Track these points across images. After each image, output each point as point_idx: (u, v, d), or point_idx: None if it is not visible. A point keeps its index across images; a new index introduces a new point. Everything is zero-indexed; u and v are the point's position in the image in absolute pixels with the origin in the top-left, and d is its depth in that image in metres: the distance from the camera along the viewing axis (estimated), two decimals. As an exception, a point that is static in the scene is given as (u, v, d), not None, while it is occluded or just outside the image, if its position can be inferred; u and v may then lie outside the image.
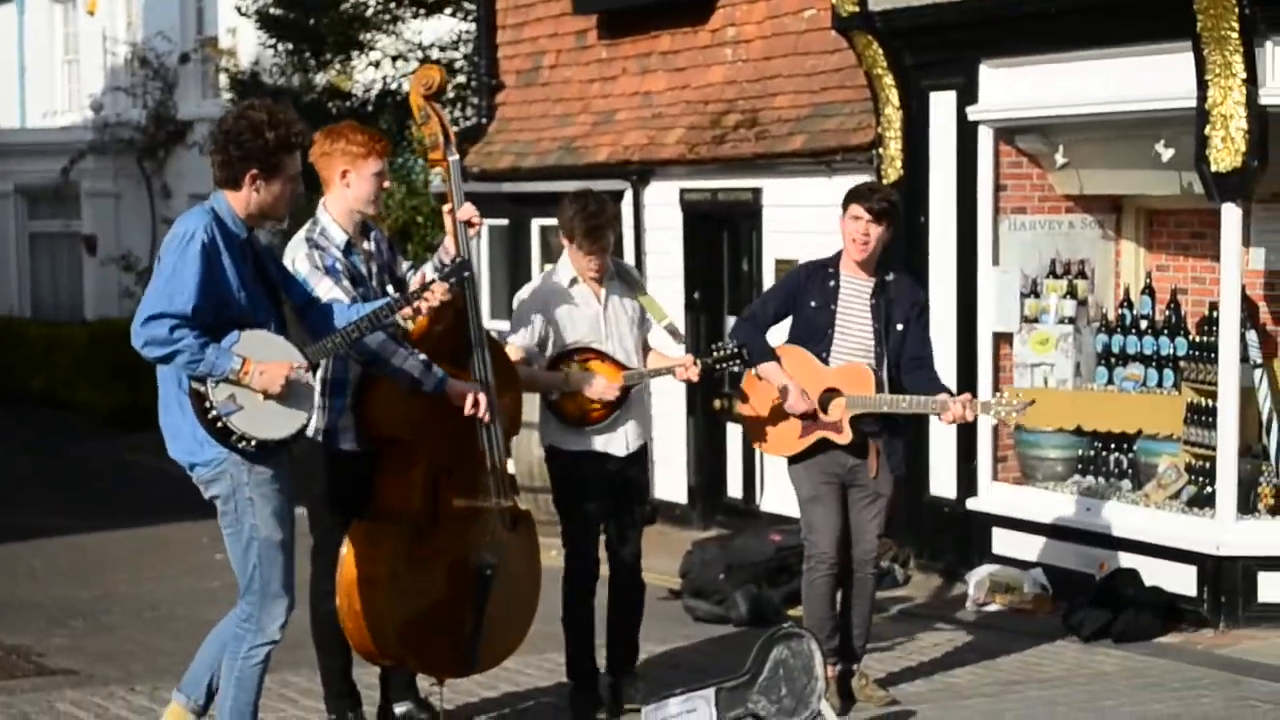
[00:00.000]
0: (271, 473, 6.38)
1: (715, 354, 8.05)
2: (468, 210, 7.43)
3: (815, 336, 8.14)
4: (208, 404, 6.21)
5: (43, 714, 8.05)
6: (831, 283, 8.16)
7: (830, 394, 8.07)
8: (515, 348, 7.93)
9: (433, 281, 6.90)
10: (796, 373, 8.10)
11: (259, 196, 6.37)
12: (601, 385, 7.86)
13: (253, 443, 6.27)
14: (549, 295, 8.00)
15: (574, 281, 8.01)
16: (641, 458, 8.20)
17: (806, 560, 8.27)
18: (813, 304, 8.15)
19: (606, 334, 8.00)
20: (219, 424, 6.22)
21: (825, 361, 8.11)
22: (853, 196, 8.17)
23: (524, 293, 8.17)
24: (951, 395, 8.09)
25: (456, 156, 7.57)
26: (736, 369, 8.30)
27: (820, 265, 8.28)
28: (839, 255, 8.24)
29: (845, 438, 8.08)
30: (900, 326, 8.14)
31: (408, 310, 6.88)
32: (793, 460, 8.26)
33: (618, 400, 7.94)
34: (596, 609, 8.15)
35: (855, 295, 8.15)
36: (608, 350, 7.98)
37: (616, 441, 8.01)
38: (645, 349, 8.20)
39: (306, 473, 7.30)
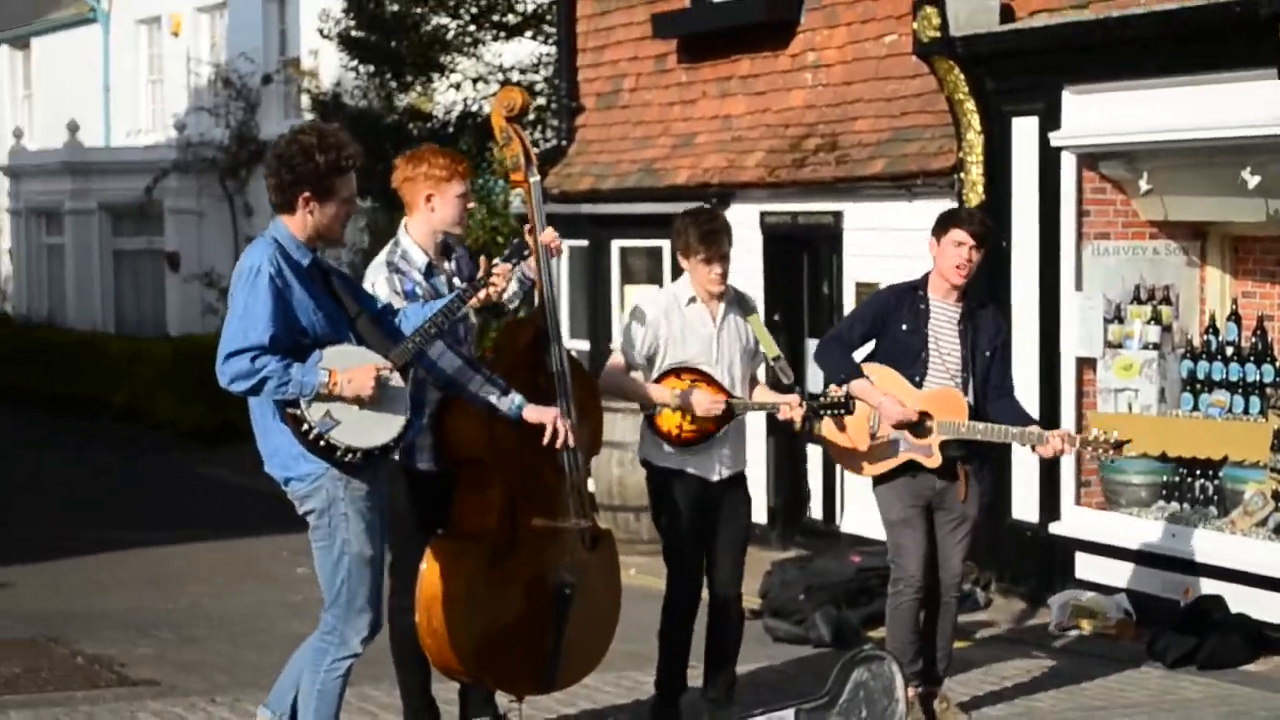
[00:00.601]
0: (367, 489, 6.41)
1: (822, 399, 7.96)
2: (549, 235, 7.45)
3: (907, 359, 8.11)
4: (305, 425, 6.23)
5: (125, 724, 8.13)
6: (921, 306, 8.15)
7: (921, 417, 8.06)
8: (622, 356, 7.94)
9: (495, 265, 6.90)
10: (887, 393, 8.08)
11: (314, 219, 6.37)
12: (708, 403, 7.80)
13: (358, 454, 6.29)
14: (666, 309, 7.96)
15: (693, 300, 7.97)
16: (738, 486, 8.11)
17: (893, 584, 8.23)
18: (904, 327, 8.14)
19: (716, 357, 7.93)
20: (321, 442, 6.24)
21: (918, 385, 8.10)
22: (954, 220, 8.17)
23: (641, 303, 8.16)
24: (1040, 426, 8.12)
25: (538, 178, 7.58)
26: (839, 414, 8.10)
27: (908, 289, 8.26)
28: (926, 279, 8.23)
29: (935, 461, 8.05)
30: (987, 354, 8.15)
31: (475, 299, 6.89)
32: (879, 481, 8.25)
33: (714, 426, 7.89)
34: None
35: (945, 320, 8.15)
36: (715, 375, 7.92)
37: (709, 466, 7.94)
38: (753, 383, 8.14)
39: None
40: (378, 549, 6.49)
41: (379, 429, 6.34)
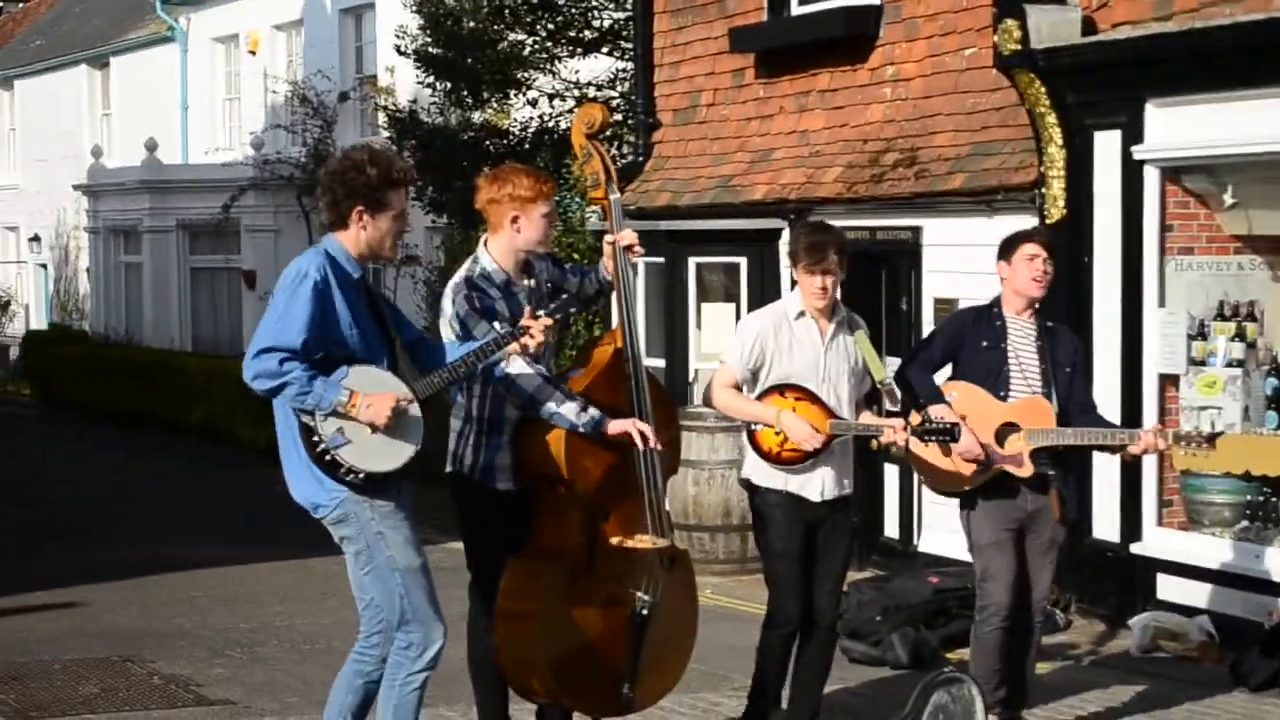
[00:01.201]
0: (393, 504, 6.45)
1: (927, 425, 7.84)
2: (629, 236, 7.40)
3: (991, 375, 8.06)
4: (316, 437, 6.30)
5: (201, 744, 8.11)
6: (999, 323, 8.13)
7: (1008, 428, 7.97)
8: (728, 370, 7.86)
9: (538, 316, 6.84)
10: (971, 409, 7.99)
11: (367, 234, 6.47)
12: (805, 434, 7.69)
13: (360, 475, 6.33)
14: (773, 324, 7.87)
15: (801, 315, 7.87)
16: (843, 507, 7.97)
17: (980, 610, 8.11)
18: (984, 343, 8.10)
19: (823, 376, 7.81)
20: (327, 457, 6.30)
21: (1003, 399, 8.01)
22: (1020, 238, 8.23)
23: (751, 317, 8.08)
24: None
25: (618, 195, 7.55)
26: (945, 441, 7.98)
27: (984, 309, 8.27)
28: (998, 299, 8.21)
29: (1026, 471, 7.96)
30: (1068, 369, 8.10)
31: (514, 346, 6.80)
32: (968, 504, 8.12)
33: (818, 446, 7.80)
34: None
35: (1022, 336, 8.12)
36: (821, 394, 7.80)
37: (811, 486, 7.83)
38: (860, 406, 8.01)
39: (464, 510, 7.30)
40: (423, 556, 6.52)
41: (387, 455, 6.37)
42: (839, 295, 7.93)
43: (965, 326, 8.24)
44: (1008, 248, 8.19)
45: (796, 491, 7.81)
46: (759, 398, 7.82)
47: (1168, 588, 11.19)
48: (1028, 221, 11.76)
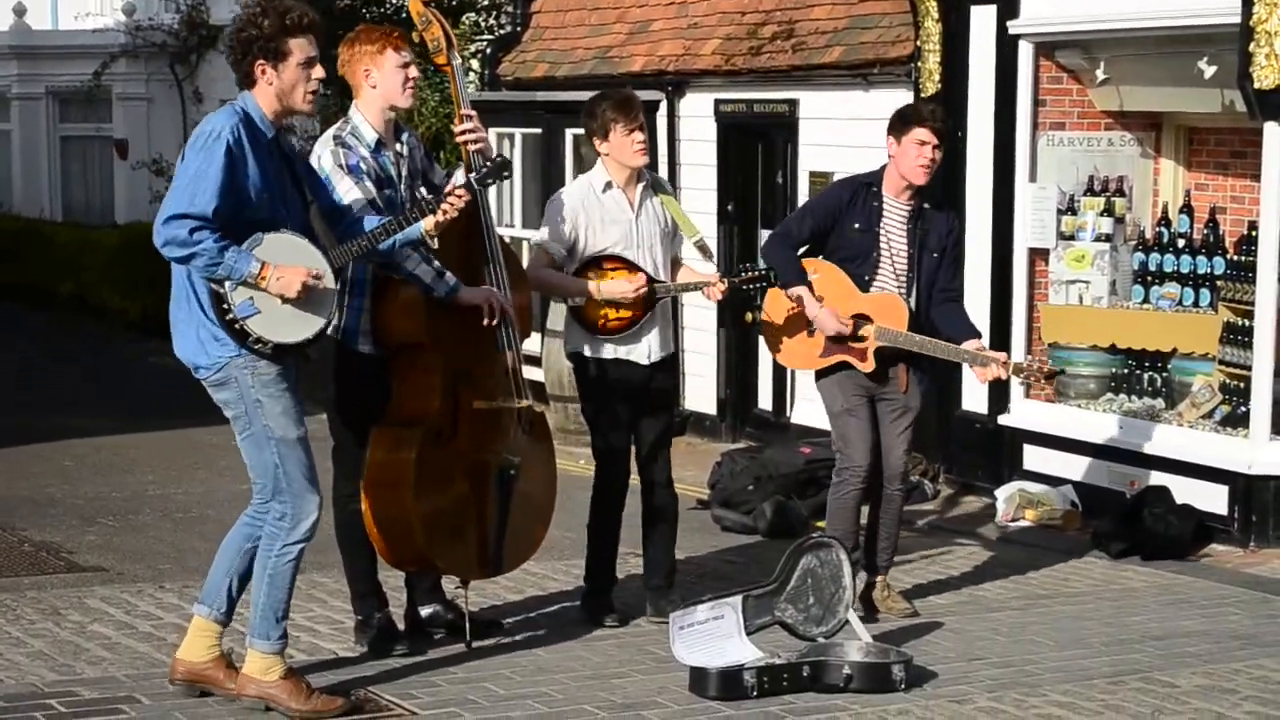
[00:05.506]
0: (277, 371, 6.39)
1: (744, 274, 8.05)
2: (462, 128, 7.39)
3: (859, 259, 8.10)
4: (226, 305, 6.24)
5: (72, 609, 8.08)
6: (875, 203, 8.11)
7: (860, 319, 8.05)
8: (543, 250, 7.89)
9: (464, 185, 6.84)
10: (829, 291, 8.06)
11: (274, 87, 6.36)
12: (624, 286, 7.81)
13: (269, 345, 6.29)
14: (582, 199, 7.94)
15: (608, 186, 7.95)
16: (668, 368, 8.16)
17: (838, 473, 8.24)
18: (856, 225, 8.10)
19: (637, 243, 7.93)
20: (237, 325, 6.25)
21: (865, 286, 8.07)
22: (914, 119, 8.08)
23: (558, 195, 8.12)
24: (980, 340, 8.12)
25: (459, 61, 7.61)
26: (764, 289, 8.25)
27: (863, 184, 8.21)
28: (880, 174, 8.17)
29: (868, 366, 8.08)
30: (935, 255, 8.13)
31: (433, 218, 6.79)
32: (820, 375, 8.24)
33: (641, 310, 7.91)
34: (625, 520, 8.13)
35: (897, 220, 8.13)
36: (637, 260, 7.92)
37: (639, 350, 7.96)
38: (675, 265, 8.14)
39: (326, 375, 7.30)
40: (301, 428, 6.48)
41: (297, 326, 6.33)
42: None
43: (840, 203, 8.19)
44: (901, 124, 8.09)
45: (625, 357, 7.94)
46: (578, 274, 7.91)
47: (1034, 458, 11.38)
48: (903, 96, 11.79)
